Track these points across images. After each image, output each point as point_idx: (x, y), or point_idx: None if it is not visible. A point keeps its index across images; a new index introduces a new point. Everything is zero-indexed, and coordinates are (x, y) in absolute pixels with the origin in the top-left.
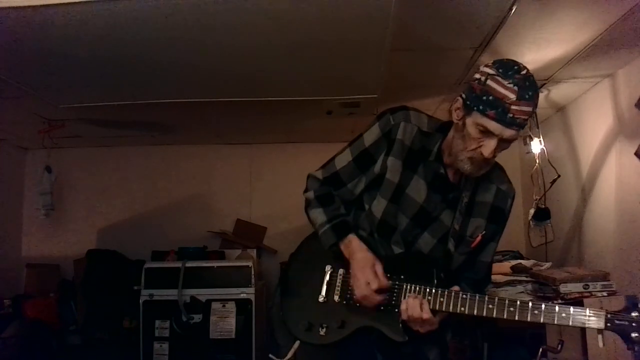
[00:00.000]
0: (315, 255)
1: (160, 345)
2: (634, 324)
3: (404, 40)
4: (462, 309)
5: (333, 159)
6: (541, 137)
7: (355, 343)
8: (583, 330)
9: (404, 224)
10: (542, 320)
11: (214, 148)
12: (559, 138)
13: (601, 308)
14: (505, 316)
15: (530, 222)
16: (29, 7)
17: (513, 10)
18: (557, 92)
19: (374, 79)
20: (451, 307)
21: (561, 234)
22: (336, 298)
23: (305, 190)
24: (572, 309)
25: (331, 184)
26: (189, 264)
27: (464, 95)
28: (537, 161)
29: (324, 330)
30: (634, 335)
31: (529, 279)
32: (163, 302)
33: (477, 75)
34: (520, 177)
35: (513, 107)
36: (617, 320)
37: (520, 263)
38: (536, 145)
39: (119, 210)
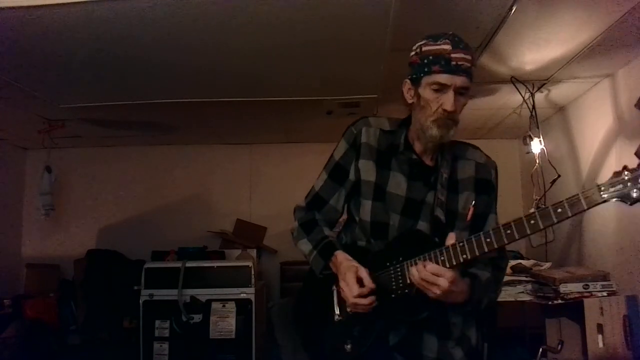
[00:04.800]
0: (319, 284)
1: (160, 345)
2: (629, 183)
3: (404, 40)
4: (464, 256)
5: (313, 185)
6: (541, 137)
7: (374, 351)
8: (583, 330)
9: (397, 220)
10: (542, 226)
11: (213, 148)
12: (559, 138)
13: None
14: (506, 241)
15: None
16: (29, 7)
17: (513, 10)
18: (557, 92)
19: (374, 79)
20: (454, 260)
21: (561, 234)
22: (350, 311)
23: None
24: (566, 202)
25: (314, 206)
26: (189, 264)
27: (408, 75)
28: (537, 161)
29: (350, 345)
30: (634, 193)
31: (529, 279)
32: (163, 302)
33: (412, 53)
34: (520, 177)
35: (453, 54)
36: (612, 186)
37: (520, 263)
38: (536, 145)
39: (119, 210)
